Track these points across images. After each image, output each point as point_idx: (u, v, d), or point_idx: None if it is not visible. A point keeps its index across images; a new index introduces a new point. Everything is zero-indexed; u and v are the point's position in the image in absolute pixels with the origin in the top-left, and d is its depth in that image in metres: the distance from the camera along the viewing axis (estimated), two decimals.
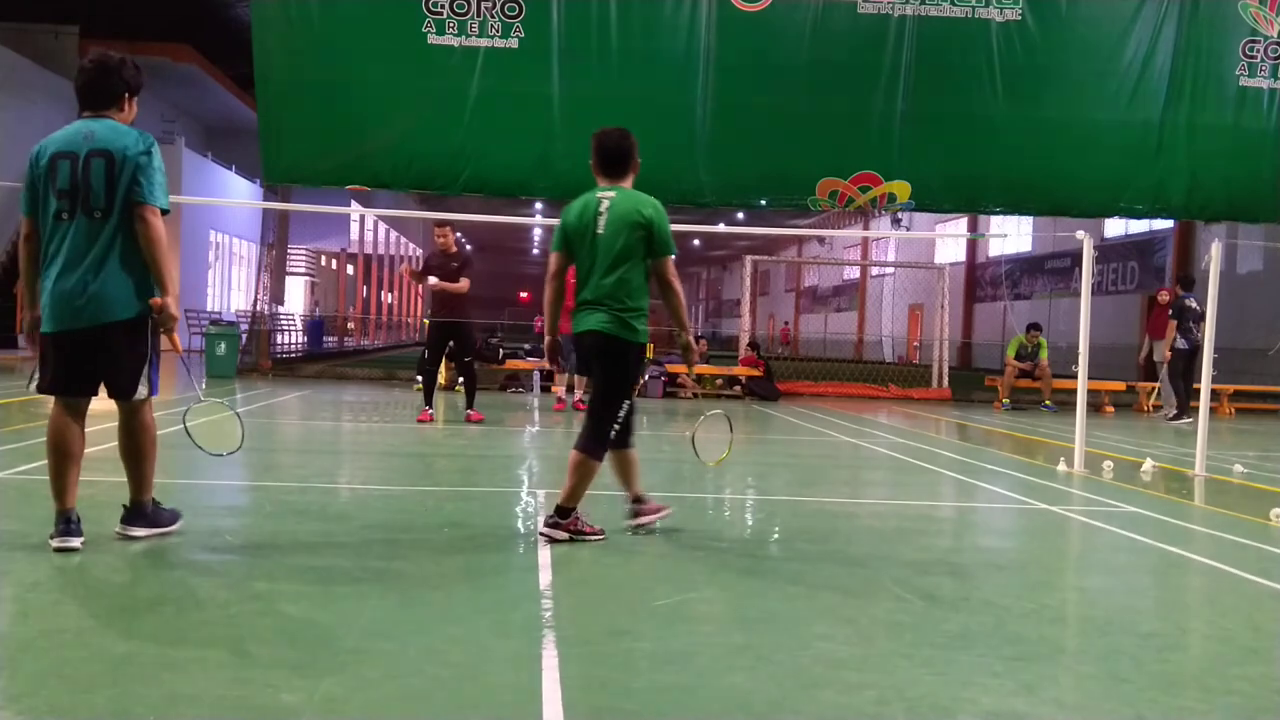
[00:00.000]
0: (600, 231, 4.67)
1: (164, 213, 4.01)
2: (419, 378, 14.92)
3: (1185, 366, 13.39)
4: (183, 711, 2.52)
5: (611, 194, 4.74)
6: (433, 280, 10.05)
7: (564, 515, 4.62)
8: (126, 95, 4.15)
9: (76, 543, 4.00)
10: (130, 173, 3.93)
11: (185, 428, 4.48)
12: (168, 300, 4.02)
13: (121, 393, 4.10)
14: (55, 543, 4.00)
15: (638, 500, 4.96)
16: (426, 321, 14.06)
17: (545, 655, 3.03)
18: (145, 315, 4.04)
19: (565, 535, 4.60)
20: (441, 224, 10.55)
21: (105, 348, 4.03)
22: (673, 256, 4.72)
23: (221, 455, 4.69)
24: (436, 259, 10.29)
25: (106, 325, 3.97)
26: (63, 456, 4.10)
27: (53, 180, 3.97)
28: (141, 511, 4.25)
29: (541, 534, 4.63)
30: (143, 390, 4.09)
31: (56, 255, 3.97)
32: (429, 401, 10.25)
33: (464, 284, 10.02)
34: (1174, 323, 13.36)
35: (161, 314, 4.03)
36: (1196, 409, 11.75)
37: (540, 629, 3.29)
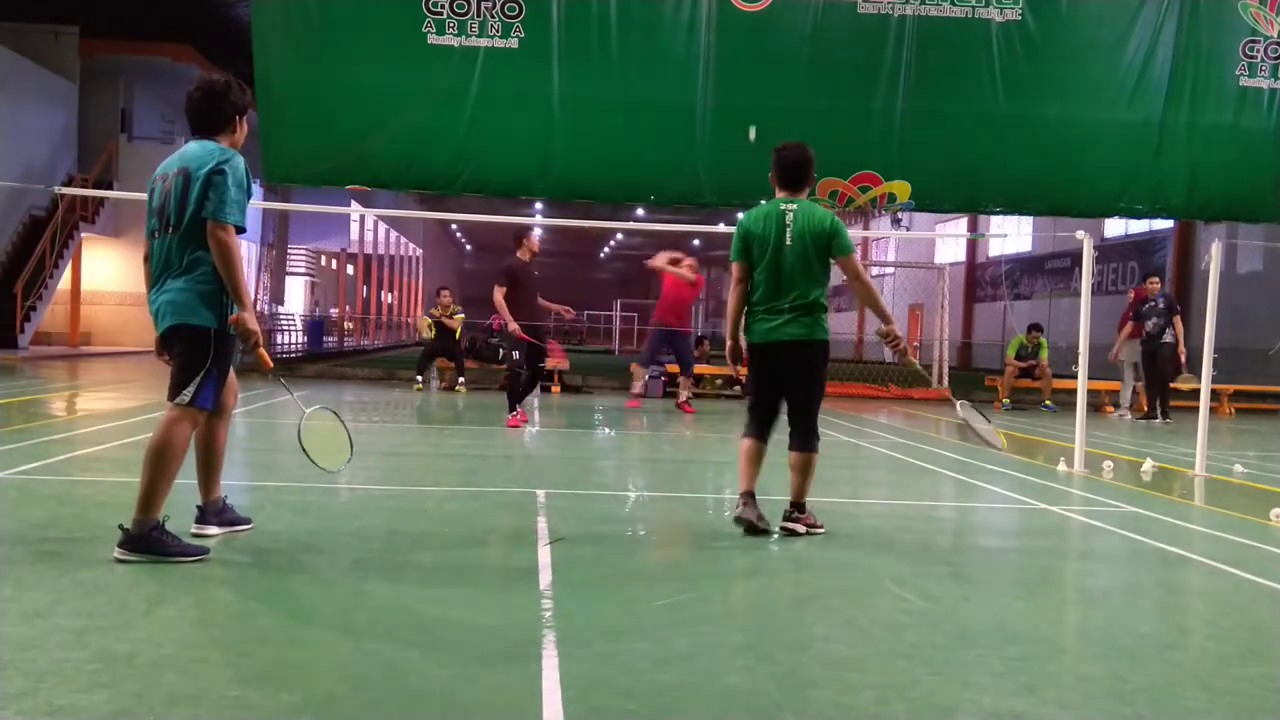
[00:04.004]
0: (789, 243, 4.92)
1: (240, 230, 4.02)
2: (418, 378, 14.99)
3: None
4: (183, 711, 2.52)
5: (794, 206, 4.99)
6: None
7: (801, 510, 4.99)
8: (236, 117, 4.24)
9: (209, 530, 4.36)
10: (200, 189, 3.98)
11: (300, 438, 4.37)
12: (244, 315, 4.01)
13: (169, 391, 4.07)
14: (193, 529, 4.31)
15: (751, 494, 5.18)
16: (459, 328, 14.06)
17: (545, 655, 3.03)
18: (208, 328, 4.01)
19: (804, 529, 4.94)
20: (527, 231, 10.31)
21: (170, 349, 4.09)
22: (854, 253, 5.04)
23: (332, 472, 4.66)
24: (526, 270, 9.91)
25: (168, 330, 4.05)
26: (196, 450, 4.29)
27: (150, 200, 4.16)
28: (137, 536, 3.91)
29: (783, 528, 4.94)
30: (186, 394, 4.00)
31: (153, 271, 4.12)
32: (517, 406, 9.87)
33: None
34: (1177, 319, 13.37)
35: (240, 329, 4.03)
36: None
37: (540, 629, 3.29)
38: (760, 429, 5.14)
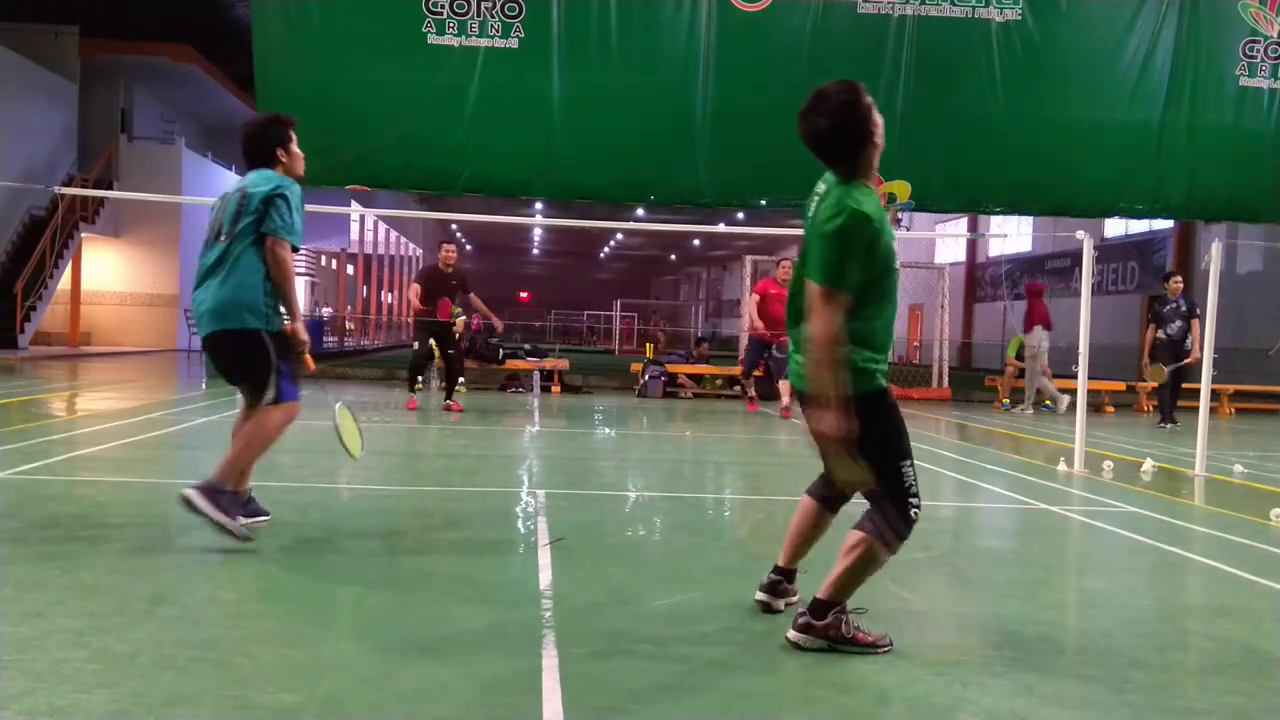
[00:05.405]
0: (807, 249, 3.40)
1: (294, 250, 4.44)
2: (419, 378, 15.00)
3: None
4: (183, 711, 2.52)
5: (822, 188, 3.47)
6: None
7: (818, 612, 3.25)
8: (278, 149, 4.62)
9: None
10: (257, 208, 4.38)
11: (336, 428, 4.79)
12: (297, 326, 4.48)
13: (249, 396, 4.53)
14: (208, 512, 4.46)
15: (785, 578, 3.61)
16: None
17: (545, 655, 3.03)
18: (254, 330, 4.35)
19: (798, 637, 3.25)
20: (449, 242, 11.86)
21: (223, 353, 4.48)
22: (822, 288, 3.15)
23: (355, 458, 4.99)
24: (438, 274, 11.44)
25: (215, 334, 4.40)
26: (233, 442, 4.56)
27: (211, 213, 4.62)
28: (211, 489, 4.23)
29: (789, 638, 3.28)
30: (269, 394, 4.40)
31: (198, 273, 4.50)
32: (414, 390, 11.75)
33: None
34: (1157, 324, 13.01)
35: (294, 338, 4.48)
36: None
37: (540, 629, 3.29)
38: (821, 484, 3.63)
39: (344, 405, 5.00)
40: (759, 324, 12.53)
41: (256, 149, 4.63)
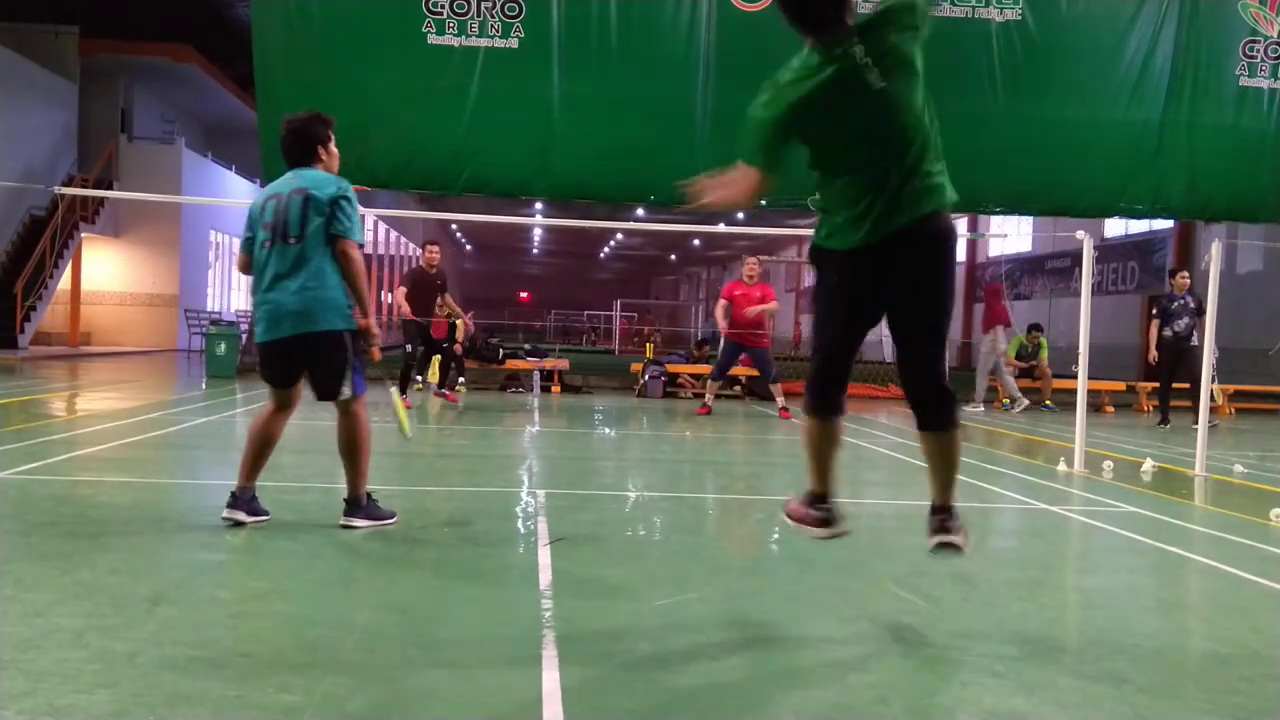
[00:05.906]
0: (873, 82, 3.22)
1: (360, 247, 4.65)
2: (419, 378, 15.03)
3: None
4: (183, 711, 2.52)
5: (815, 59, 3.28)
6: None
7: (948, 513, 3.53)
8: (320, 147, 4.75)
9: (239, 516, 4.61)
10: (326, 210, 4.53)
11: (398, 416, 5.49)
12: (369, 321, 4.71)
13: (325, 395, 4.67)
14: (224, 514, 4.61)
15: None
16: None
17: (545, 655, 3.03)
18: (339, 331, 4.58)
19: (957, 540, 3.48)
20: (434, 242, 12.55)
21: (304, 355, 4.62)
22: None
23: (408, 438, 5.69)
24: (424, 276, 12.21)
25: (298, 336, 4.56)
26: (253, 439, 4.74)
27: (262, 216, 4.66)
28: (358, 505, 4.71)
29: (938, 542, 3.52)
30: (345, 391, 4.62)
31: (261, 276, 4.62)
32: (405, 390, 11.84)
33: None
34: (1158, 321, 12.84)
35: (367, 333, 4.72)
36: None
37: (540, 629, 3.29)
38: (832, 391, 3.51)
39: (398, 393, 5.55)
40: (725, 327, 12.25)
41: (299, 146, 4.72)
